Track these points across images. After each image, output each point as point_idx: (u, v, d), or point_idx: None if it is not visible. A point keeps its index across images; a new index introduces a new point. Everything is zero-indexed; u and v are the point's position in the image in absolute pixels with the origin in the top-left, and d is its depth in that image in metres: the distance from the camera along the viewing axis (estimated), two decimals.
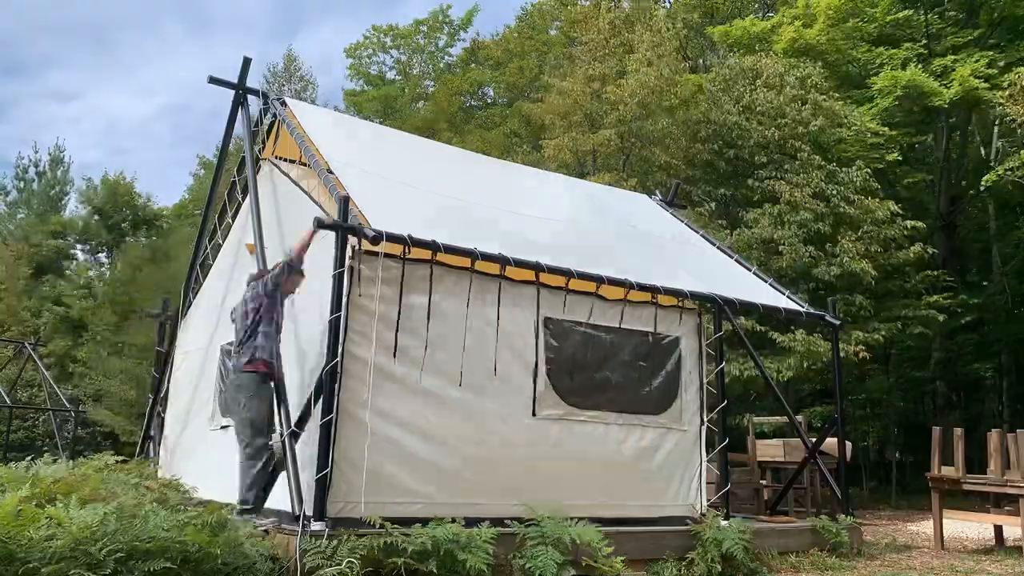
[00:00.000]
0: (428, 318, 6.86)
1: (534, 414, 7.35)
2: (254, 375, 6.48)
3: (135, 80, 70.05)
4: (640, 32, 18.21)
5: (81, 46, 72.77)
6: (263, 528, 5.87)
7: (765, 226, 14.59)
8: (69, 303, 27.02)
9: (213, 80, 9.25)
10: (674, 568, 7.14)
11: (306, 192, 8.03)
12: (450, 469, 6.83)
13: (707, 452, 8.50)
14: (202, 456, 8.88)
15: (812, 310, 10.03)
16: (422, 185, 8.40)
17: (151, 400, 9.89)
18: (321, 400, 6.26)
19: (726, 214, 16.88)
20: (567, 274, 7.49)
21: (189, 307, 10.40)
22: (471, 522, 6.17)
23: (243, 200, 9.67)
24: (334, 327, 6.31)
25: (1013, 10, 18.17)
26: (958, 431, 9.69)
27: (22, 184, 37.14)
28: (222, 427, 8.55)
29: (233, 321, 6.94)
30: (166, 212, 33.36)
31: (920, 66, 17.02)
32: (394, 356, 6.65)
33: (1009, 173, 15.04)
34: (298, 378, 6.92)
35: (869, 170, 15.44)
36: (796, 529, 8.75)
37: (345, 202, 6.54)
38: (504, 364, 7.25)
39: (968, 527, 11.15)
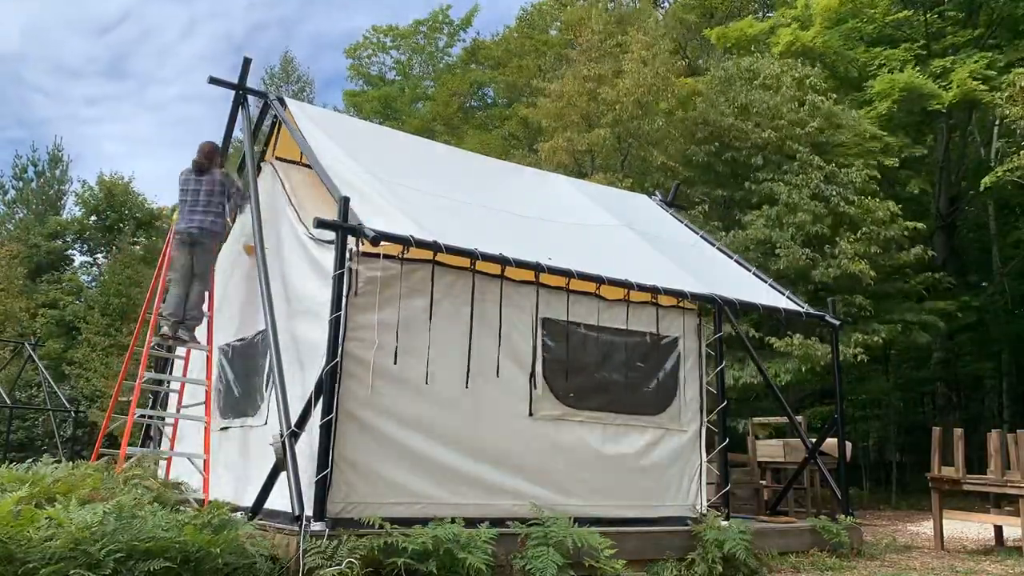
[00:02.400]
0: (430, 319, 6.86)
1: (531, 414, 7.35)
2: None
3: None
4: (632, 33, 18.24)
5: None
6: None
7: (761, 227, 14.58)
8: (63, 305, 27.03)
9: (213, 80, 9.23)
10: (674, 568, 7.12)
11: (293, 206, 8.06)
12: (450, 469, 6.82)
13: (707, 452, 8.49)
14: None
15: (812, 311, 10.03)
16: (422, 185, 8.39)
17: (151, 401, 9.87)
18: (321, 400, 6.25)
19: (724, 215, 16.87)
20: (567, 274, 7.49)
21: None
22: (471, 522, 6.17)
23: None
24: (334, 327, 6.31)
25: (1012, 10, 18.18)
26: (958, 431, 9.69)
27: (20, 184, 37.11)
28: (222, 428, 8.54)
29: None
30: (165, 212, 33.31)
31: (919, 67, 17.02)
32: (395, 357, 6.64)
33: (1008, 174, 15.04)
34: (299, 378, 6.91)
35: (868, 170, 15.44)
36: (796, 529, 8.74)
37: (345, 203, 6.53)
38: (503, 365, 7.24)
39: (968, 527, 11.15)
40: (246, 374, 8.34)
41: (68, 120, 58.55)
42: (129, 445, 7.57)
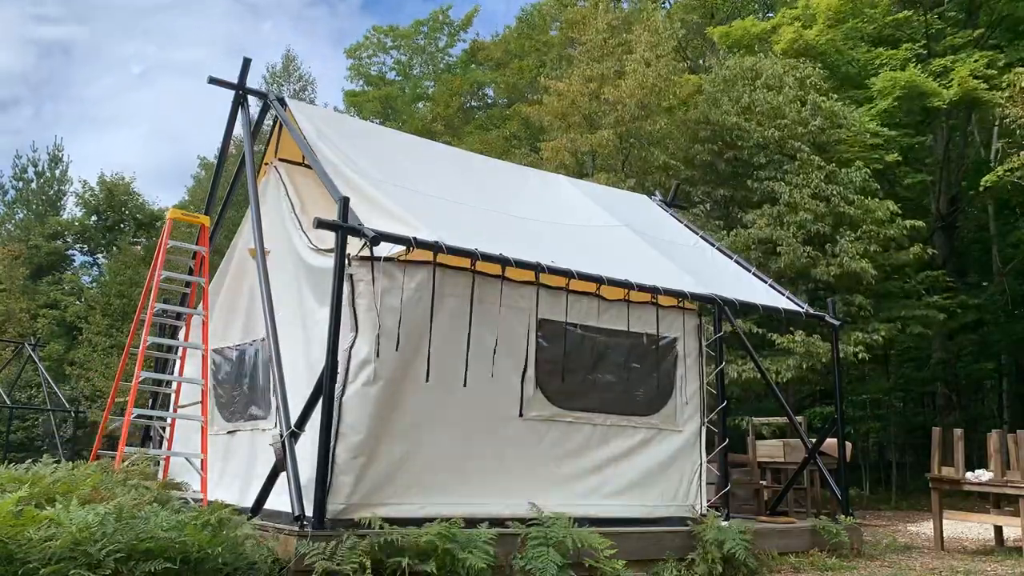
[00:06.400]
0: (431, 319, 6.85)
1: (521, 415, 7.35)
2: None
3: None
4: (638, 32, 18.21)
5: None
6: None
7: (763, 226, 14.59)
8: (64, 306, 27.04)
9: (213, 80, 9.22)
10: (674, 568, 7.13)
11: (295, 212, 8.04)
12: (449, 469, 6.82)
13: (707, 452, 8.49)
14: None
15: (812, 310, 10.02)
16: (423, 186, 8.39)
17: (151, 401, 9.87)
18: (321, 400, 6.25)
19: (725, 215, 16.88)
20: (567, 275, 7.47)
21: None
22: (471, 522, 6.16)
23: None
24: (334, 327, 6.30)
25: (1013, 10, 18.19)
26: (958, 431, 9.69)
27: (20, 184, 37.13)
28: (229, 432, 8.51)
29: None
30: (165, 212, 33.29)
31: (919, 66, 17.03)
32: (395, 356, 6.63)
33: (1008, 174, 15.04)
34: (301, 378, 6.91)
35: (868, 170, 15.45)
36: (796, 530, 8.74)
37: (345, 203, 6.53)
38: (499, 365, 7.24)
39: (968, 527, 11.14)
40: (256, 376, 8.32)
41: None
42: (128, 445, 7.56)
